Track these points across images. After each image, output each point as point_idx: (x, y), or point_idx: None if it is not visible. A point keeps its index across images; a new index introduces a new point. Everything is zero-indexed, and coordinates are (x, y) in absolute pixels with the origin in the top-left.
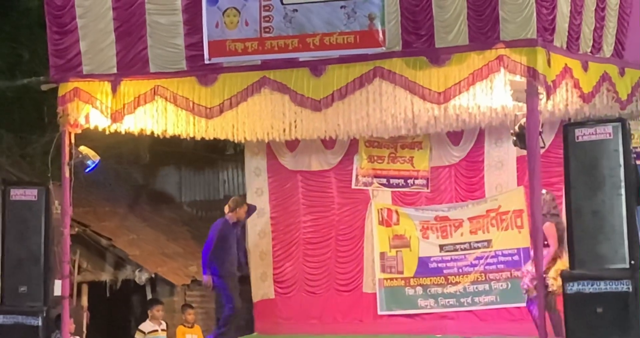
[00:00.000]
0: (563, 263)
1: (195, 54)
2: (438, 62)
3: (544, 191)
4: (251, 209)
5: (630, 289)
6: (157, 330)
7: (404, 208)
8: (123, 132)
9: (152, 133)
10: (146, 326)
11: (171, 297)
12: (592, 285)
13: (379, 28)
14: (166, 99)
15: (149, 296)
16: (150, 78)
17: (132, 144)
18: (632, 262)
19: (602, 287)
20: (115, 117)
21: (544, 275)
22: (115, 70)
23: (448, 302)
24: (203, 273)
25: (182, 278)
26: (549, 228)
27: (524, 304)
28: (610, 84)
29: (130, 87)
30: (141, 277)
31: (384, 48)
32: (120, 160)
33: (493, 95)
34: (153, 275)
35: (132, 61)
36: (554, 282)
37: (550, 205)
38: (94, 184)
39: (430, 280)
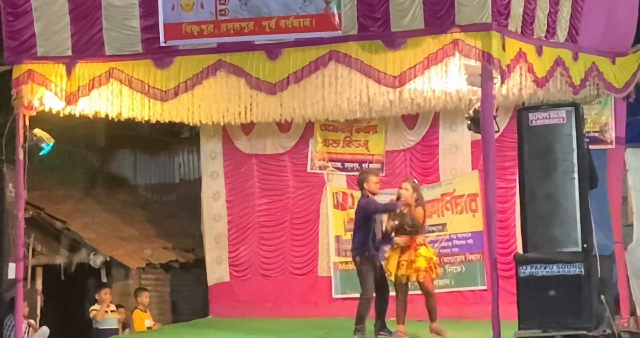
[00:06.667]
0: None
1: (151, 36)
2: (393, 45)
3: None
4: None
5: (583, 272)
6: (107, 312)
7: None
8: (77, 115)
9: (107, 116)
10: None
11: (126, 280)
12: (544, 268)
13: (335, 11)
14: (121, 81)
15: (104, 279)
16: (106, 60)
17: (88, 127)
18: (585, 245)
19: (555, 270)
20: (70, 99)
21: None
22: (70, 53)
23: None
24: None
25: (137, 262)
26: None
27: (478, 288)
28: (563, 68)
29: (85, 70)
30: (96, 260)
31: (339, 31)
32: (76, 143)
33: (448, 79)
34: (108, 259)
35: (87, 43)
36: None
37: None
38: (48, 167)
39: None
